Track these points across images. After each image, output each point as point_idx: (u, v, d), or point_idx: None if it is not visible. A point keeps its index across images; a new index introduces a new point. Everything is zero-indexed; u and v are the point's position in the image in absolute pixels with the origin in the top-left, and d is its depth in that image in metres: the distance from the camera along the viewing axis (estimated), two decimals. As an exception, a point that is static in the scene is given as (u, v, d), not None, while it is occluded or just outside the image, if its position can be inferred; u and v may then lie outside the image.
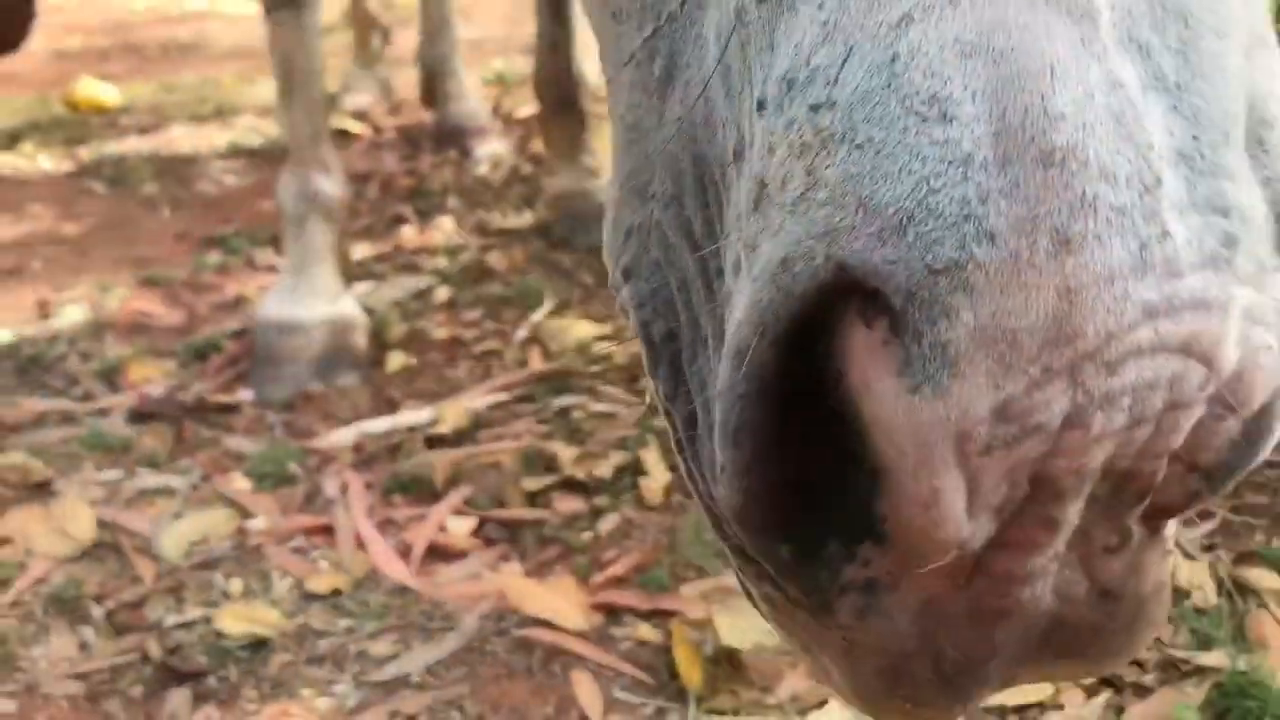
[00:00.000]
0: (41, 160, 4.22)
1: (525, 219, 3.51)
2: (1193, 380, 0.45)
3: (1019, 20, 0.44)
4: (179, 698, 1.67)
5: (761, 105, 0.49)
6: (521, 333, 2.72)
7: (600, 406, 2.34)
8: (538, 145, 4.19)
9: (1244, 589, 1.69)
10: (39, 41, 4.59)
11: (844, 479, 0.48)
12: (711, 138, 0.54)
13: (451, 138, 4.21)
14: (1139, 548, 0.52)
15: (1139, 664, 1.57)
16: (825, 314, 0.46)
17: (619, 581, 1.85)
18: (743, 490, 0.50)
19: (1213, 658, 1.57)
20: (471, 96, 4.29)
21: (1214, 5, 0.47)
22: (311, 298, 2.55)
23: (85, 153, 4.25)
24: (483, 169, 4.01)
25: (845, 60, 0.45)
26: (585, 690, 1.64)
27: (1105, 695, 1.54)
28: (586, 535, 1.97)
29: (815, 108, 0.46)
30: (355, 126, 4.60)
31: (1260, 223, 0.47)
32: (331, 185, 2.56)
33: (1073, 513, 0.48)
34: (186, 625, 1.81)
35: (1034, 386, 0.43)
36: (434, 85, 4.25)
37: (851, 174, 0.44)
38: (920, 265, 0.43)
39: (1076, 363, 0.43)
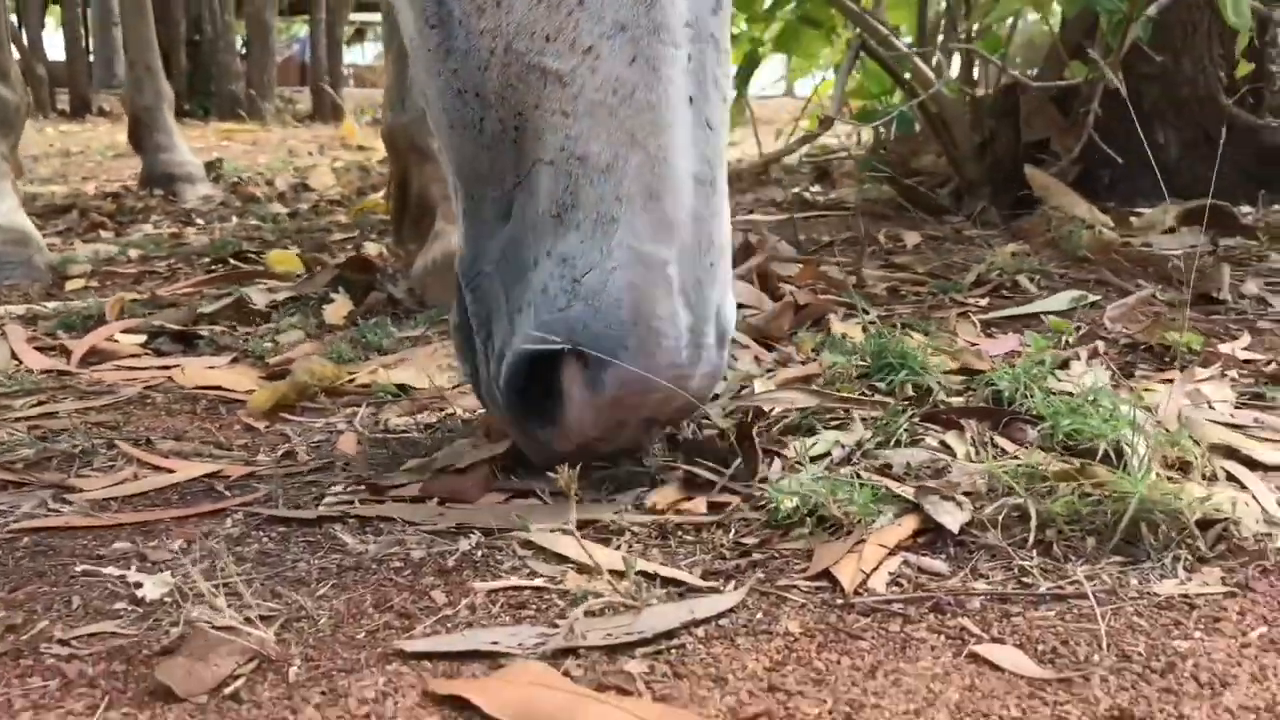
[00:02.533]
0: None
1: (231, 224, 3.48)
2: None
3: None
4: None
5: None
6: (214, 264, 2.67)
7: (287, 291, 2.29)
8: (249, 189, 4.20)
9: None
10: None
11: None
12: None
13: (159, 183, 4.16)
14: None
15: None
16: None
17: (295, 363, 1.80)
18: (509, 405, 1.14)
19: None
20: (182, 145, 4.28)
21: None
22: (-17, 207, 2.44)
23: None
24: (191, 203, 3.97)
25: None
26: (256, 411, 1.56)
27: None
28: (266, 345, 1.91)
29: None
30: (52, 188, 4.47)
31: None
32: (11, 94, 2.50)
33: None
34: None
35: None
36: (141, 134, 4.22)
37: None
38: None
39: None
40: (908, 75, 3.24)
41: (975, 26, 3.39)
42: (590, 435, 1.10)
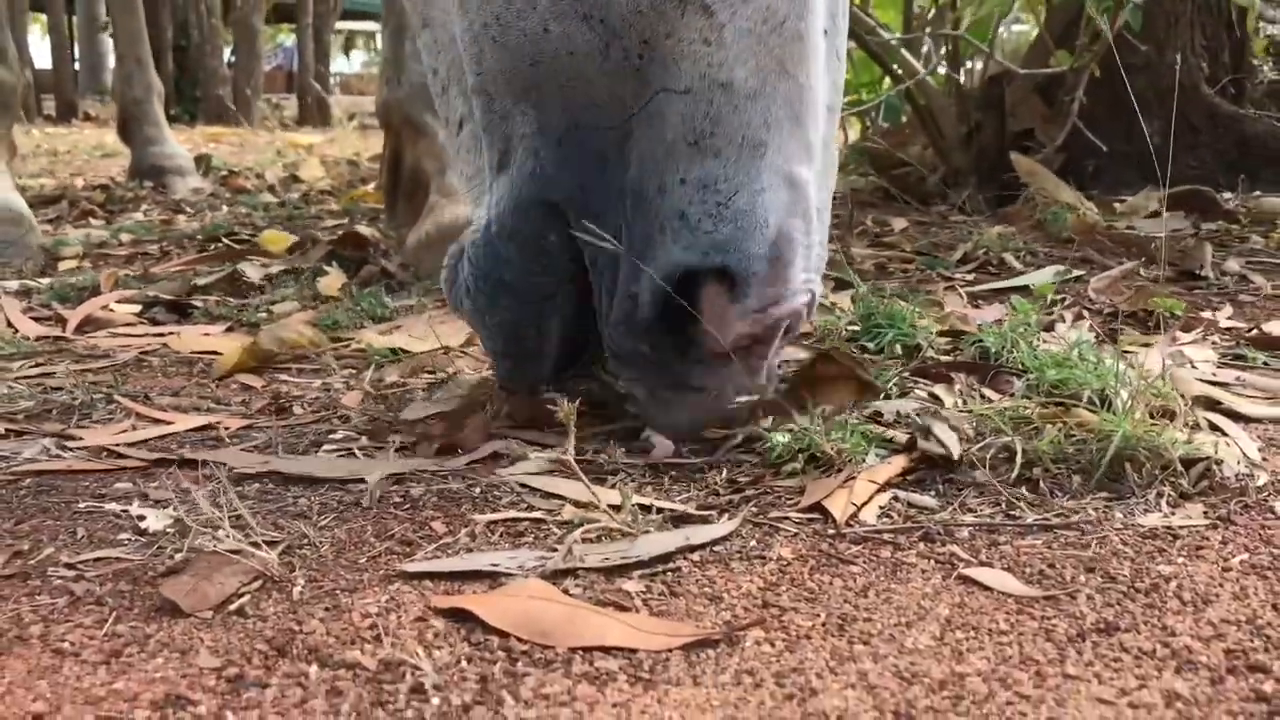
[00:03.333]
0: None
1: (222, 212, 3.49)
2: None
3: None
4: None
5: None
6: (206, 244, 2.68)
7: (281, 265, 2.31)
8: (238, 182, 4.21)
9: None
10: None
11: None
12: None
13: (149, 175, 4.16)
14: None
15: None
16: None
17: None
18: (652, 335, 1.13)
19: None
20: (171, 138, 4.28)
21: None
22: (-23, 185, 2.45)
23: None
24: (181, 195, 3.98)
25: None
26: (251, 377, 1.58)
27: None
28: (261, 315, 1.93)
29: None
30: (46, 180, 4.47)
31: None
32: (8, 73, 2.51)
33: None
34: None
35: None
36: (130, 127, 4.22)
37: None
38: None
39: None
40: (895, 66, 3.27)
41: (964, 21, 3.42)
42: (740, 341, 1.11)
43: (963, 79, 3.54)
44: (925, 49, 3.13)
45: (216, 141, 9.40)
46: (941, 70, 3.55)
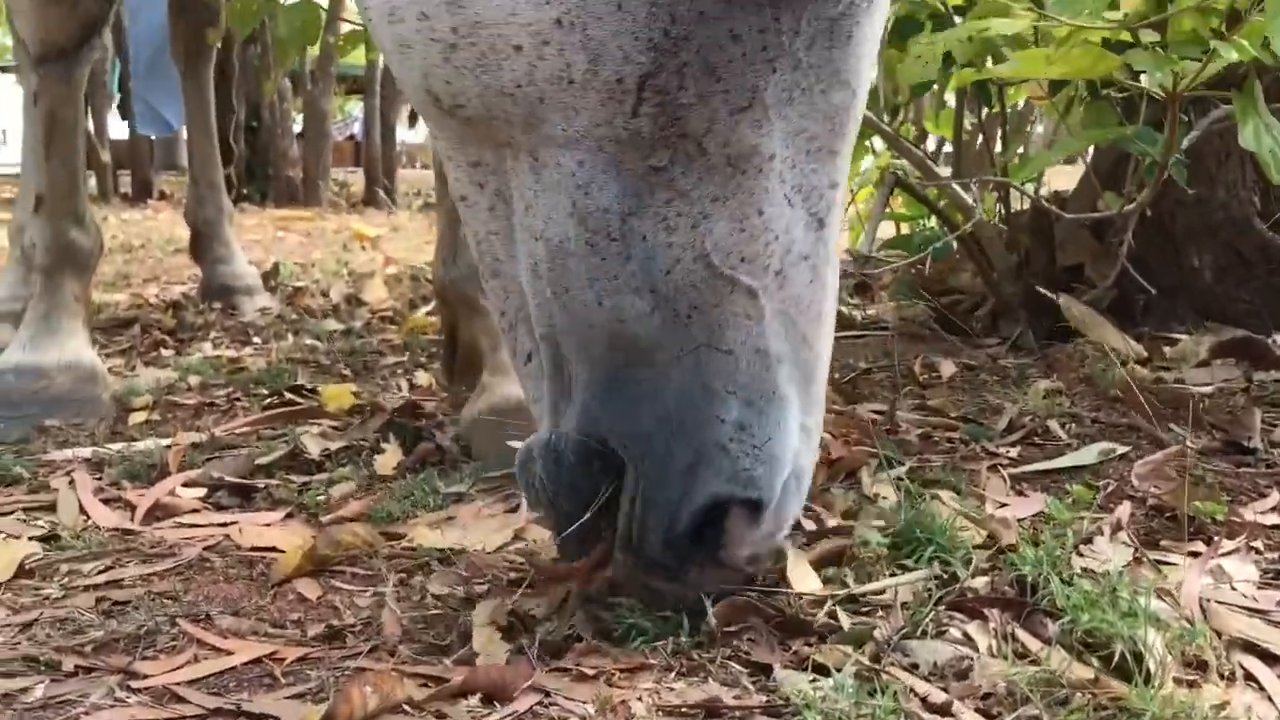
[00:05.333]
0: None
1: (288, 342, 3.59)
2: None
3: None
4: None
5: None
6: (271, 396, 2.77)
7: (340, 438, 2.37)
8: (304, 300, 4.34)
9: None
10: None
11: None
12: None
13: (218, 295, 4.30)
14: None
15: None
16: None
17: (350, 521, 1.88)
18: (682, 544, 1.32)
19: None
20: (240, 258, 4.43)
21: None
22: (55, 346, 2.56)
23: None
24: (249, 317, 4.10)
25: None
26: (306, 584, 1.64)
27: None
28: (319, 497, 2.00)
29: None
30: (117, 296, 4.64)
31: None
32: (85, 238, 2.63)
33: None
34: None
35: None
36: (201, 246, 4.37)
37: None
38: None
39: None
40: (943, 204, 3.31)
41: (1015, 155, 3.46)
42: (747, 559, 1.36)
43: (1011, 206, 3.57)
44: (974, 188, 3.17)
45: (285, 229, 9.66)
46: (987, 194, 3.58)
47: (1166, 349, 2.94)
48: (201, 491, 2.03)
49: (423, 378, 2.88)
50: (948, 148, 3.98)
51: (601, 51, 1.13)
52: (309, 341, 3.56)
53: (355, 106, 25.46)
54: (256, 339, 3.68)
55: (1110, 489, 1.95)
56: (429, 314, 3.87)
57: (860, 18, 1.19)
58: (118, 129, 16.58)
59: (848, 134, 1.25)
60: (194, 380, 2.99)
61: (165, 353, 3.51)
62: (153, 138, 16.25)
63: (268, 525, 1.88)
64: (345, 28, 6.22)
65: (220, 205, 4.36)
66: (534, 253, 1.26)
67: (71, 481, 2.09)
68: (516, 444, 1.98)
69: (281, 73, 11.05)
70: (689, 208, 1.19)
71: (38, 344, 2.56)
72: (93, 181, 15.38)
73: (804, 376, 1.28)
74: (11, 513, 1.97)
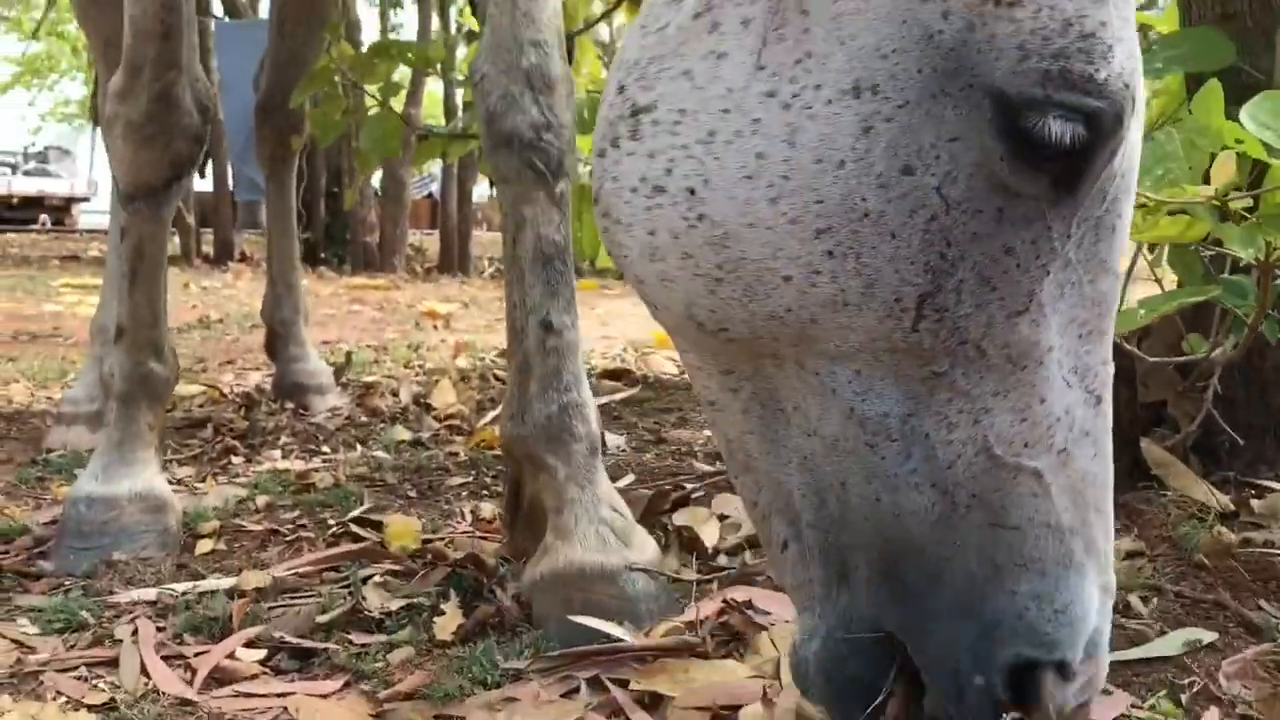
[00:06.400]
0: None
1: (355, 453, 3.61)
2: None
3: None
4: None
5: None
6: (334, 524, 2.77)
7: (402, 591, 2.35)
8: (374, 400, 4.37)
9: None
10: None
11: None
12: None
13: (290, 394, 4.35)
14: None
15: None
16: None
17: (407, 696, 1.86)
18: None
19: None
20: (313, 356, 4.48)
21: None
22: (127, 476, 2.59)
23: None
24: (319, 418, 4.14)
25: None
26: (361, 775, 1.62)
27: None
28: (378, 664, 1.98)
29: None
30: (192, 388, 4.72)
31: None
32: (162, 368, 2.67)
33: None
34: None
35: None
36: (276, 345, 4.44)
37: None
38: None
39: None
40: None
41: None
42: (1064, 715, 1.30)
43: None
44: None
45: (360, 301, 9.82)
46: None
47: (1255, 501, 2.82)
48: (262, 653, 2.02)
49: (487, 509, 2.87)
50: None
51: (877, 277, 1.12)
52: (377, 453, 3.57)
53: (435, 165, 25.98)
54: (325, 447, 3.70)
55: (1196, 688, 1.86)
56: (495, 420, 3.87)
57: (1121, 210, 1.20)
58: (199, 182, 16.97)
59: (1113, 312, 1.25)
60: (261, 501, 3.01)
61: (235, 460, 3.55)
62: (236, 200, 16.67)
63: (325, 696, 1.86)
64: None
65: (297, 306, 4.43)
66: (803, 448, 1.25)
67: (135, 632, 2.10)
68: (579, 619, 1.98)
69: (363, 180, 11.30)
70: (970, 405, 1.17)
71: (110, 474, 2.59)
72: (176, 240, 15.82)
73: (1097, 539, 1.24)
74: (75, 668, 1.99)
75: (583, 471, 2.14)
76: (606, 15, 4.66)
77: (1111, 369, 1.29)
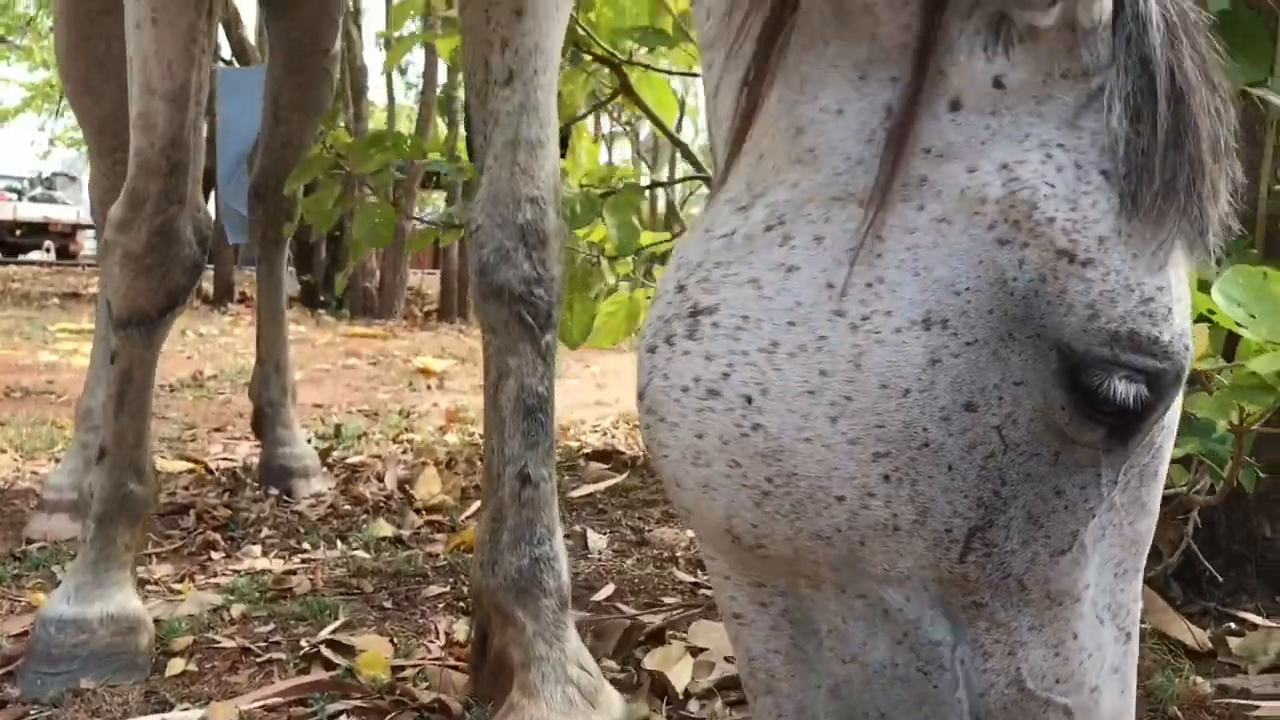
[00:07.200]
0: None
1: (335, 551, 3.61)
2: None
3: None
4: None
5: None
6: (307, 645, 2.76)
7: None
8: (358, 487, 4.37)
9: None
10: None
11: None
12: None
13: (276, 478, 4.35)
14: None
15: None
16: None
17: None
18: None
19: None
20: (299, 439, 4.48)
21: None
22: (100, 598, 2.58)
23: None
24: (302, 506, 4.13)
25: None
26: None
27: None
28: (338, 824, 1.96)
29: None
30: (179, 465, 4.71)
31: None
32: (142, 489, 2.66)
33: None
34: None
35: None
36: (263, 425, 4.44)
37: None
38: None
39: None
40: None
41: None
42: None
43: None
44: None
45: (355, 354, 9.83)
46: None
47: (1233, 640, 2.81)
48: (222, 808, 2.00)
49: (460, 630, 2.86)
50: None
51: (931, 506, 1.11)
52: (357, 551, 3.57)
53: (440, 198, 26.01)
54: (306, 543, 3.69)
55: None
56: (476, 514, 3.86)
57: (1164, 456, 1.20)
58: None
59: (1146, 551, 1.25)
60: (236, 611, 3.00)
61: (215, 556, 3.54)
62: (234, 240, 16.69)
63: None
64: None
65: (285, 386, 4.43)
66: (838, 674, 1.22)
67: (97, 780, 2.08)
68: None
69: (354, 266, 11.35)
70: (1006, 636, 1.17)
71: (83, 595, 2.57)
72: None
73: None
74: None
75: (551, 628, 2.13)
76: (602, 106, 4.69)
77: (1141, 605, 1.28)
